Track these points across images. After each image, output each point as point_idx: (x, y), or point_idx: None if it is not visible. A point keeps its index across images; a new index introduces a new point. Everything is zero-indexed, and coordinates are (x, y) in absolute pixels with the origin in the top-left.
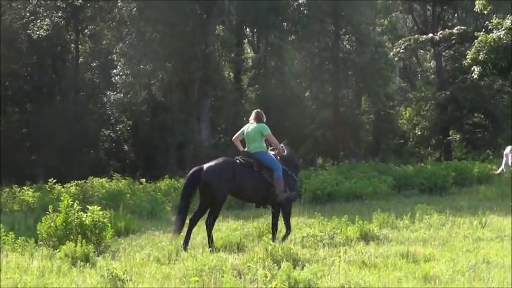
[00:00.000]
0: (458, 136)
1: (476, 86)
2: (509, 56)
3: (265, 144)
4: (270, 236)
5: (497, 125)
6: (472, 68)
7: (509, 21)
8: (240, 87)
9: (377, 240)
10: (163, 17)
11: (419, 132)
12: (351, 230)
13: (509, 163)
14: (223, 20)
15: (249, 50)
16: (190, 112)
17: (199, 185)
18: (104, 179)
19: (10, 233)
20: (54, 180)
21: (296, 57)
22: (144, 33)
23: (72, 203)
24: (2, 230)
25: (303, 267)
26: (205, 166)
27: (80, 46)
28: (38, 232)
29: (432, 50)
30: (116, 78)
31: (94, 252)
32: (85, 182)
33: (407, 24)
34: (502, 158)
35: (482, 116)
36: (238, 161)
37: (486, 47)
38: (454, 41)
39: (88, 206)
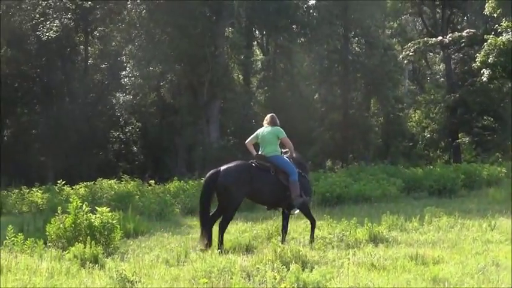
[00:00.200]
0: (467, 139)
1: (486, 89)
2: None
3: (279, 148)
4: (279, 238)
5: (507, 127)
6: (482, 71)
7: None
8: (249, 89)
9: (386, 243)
10: (172, 19)
11: (428, 135)
12: (360, 232)
13: None
14: (233, 22)
15: (258, 52)
16: (199, 114)
17: (216, 187)
18: (112, 181)
19: (19, 234)
20: (63, 182)
21: (305, 59)
22: (154, 35)
23: (81, 204)
24: (11, 231)
25: (312, 269)
26: (223, 169)
27: (89, 48)
28: (47, 233)
29: (441, 53)
30: (125, 79)
31: (103, 253)
32: (94, 183)
33: (417, 27)
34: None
35: (492, 119)
36: (254, 164)
37: (496, 50)
38: (463, 44)
39: (97, 208)
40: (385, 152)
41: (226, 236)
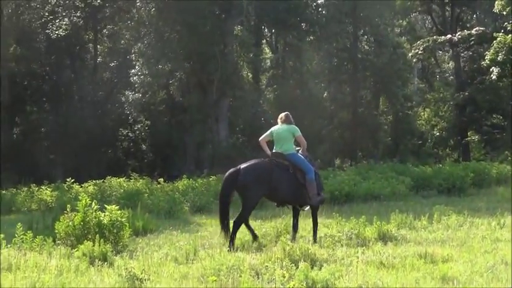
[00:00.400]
0: (476, 137)
1: (495, 87)
2: None
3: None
4: (289, 236)
5: None
6: (491, 69)
7: None
8: (258, 87)
9: (395, 241)
10: (181, 17)
11: (437, 133)
12: (368, 231)
13: None
14: (242, 20)
15: (267, 50)
16: (208, 112)
17: (236, 186)
18: (121, 179)
19: (28, 232)
20: (72, 180)
21: (314, 57)
22: (163, 33)
23: (90, 202)
24: (21, 229)
25: (320, 268)
26: (243, 167)
27: (98, 46)
28: (56, 231)
29: (451, 51)
30: (134, 78)
31: (112, 251)
32: (103, 181)
33: (426, 25)
34: None
35: (501, 117)
36: (273, 162)
37: (505, 48)
38: (472, 42)
39: (106, 206)
40: (394, 150)
41: None
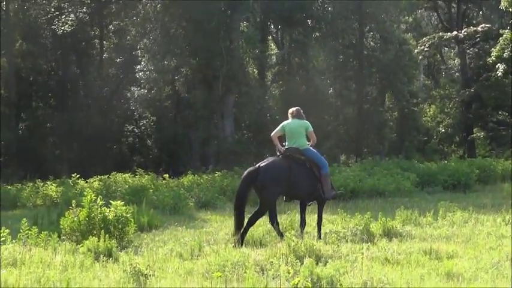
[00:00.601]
0: (482, 134)
1: (501, 84)
2: None
3: None
4: (293, 232)
5: None
6: (497, 66)
7: None
8: (264, 83)
9: (400, 237)
10: (187, 13)
11: (443, 130)
12: (373, 227)
13: None
14: (248, 17)
15: (273, 47)
16: (213, 108)
17: (255, 185)
18: (127, 175)
19: (33, 227)
20: (78, 175)
21: (320, 54)
22: (169, 29)
23: (95, 198)
24: (26, 224)
25: (325, 264)
26: (262, 166)
27: (104, 42)
28: (61, 227)
29: (456, 48)
30: (140, 74)
31: (117, 247)
32: (108, 177)
33: (432, 21)
34: None
35: (506, 114)
36: (290, 159)
37: (511, 45)
38: (478, 39)
39: (111, 201)
40: (399, 146)
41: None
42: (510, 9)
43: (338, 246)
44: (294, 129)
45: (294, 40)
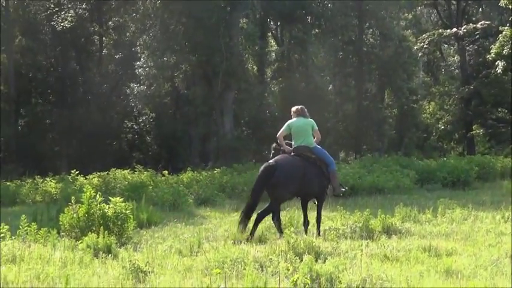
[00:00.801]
0: (481, 131)
1: (500, 81)
2: None
3: None
4: (292, 228)
5: None
6: (496, 63)
7: None
8: (263, 80)
9: (399, 234)
10: (187, 9)
11: (442, 127)
12: (373, 224)
13: None
14: (248, 13)
15: (272, 43)
16: (213, 105)
17: (271, 182)
18: (126, 171)
19: (33, 223)
20: (77, 172)
21: (320, 50)
22: (168, 26)
23: (94, 194)
24: (25, 220)
25: (324, 261)
26: (279, 163)
27: (103, 38)
28: (61, 223)
29: (456, 45)
30: (140, 70)
31: (116, 243)
32: (107, 173)
33: (432, 18)
34: None
35: (506, 111)
36: (302, 157)
37: (510, 42)
38: (478, 36)
39: (110, 198)
40: (398, 143)
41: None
42: (510, 6)
43: (337, 243)
44: (301, 127)
45: (294, 37)
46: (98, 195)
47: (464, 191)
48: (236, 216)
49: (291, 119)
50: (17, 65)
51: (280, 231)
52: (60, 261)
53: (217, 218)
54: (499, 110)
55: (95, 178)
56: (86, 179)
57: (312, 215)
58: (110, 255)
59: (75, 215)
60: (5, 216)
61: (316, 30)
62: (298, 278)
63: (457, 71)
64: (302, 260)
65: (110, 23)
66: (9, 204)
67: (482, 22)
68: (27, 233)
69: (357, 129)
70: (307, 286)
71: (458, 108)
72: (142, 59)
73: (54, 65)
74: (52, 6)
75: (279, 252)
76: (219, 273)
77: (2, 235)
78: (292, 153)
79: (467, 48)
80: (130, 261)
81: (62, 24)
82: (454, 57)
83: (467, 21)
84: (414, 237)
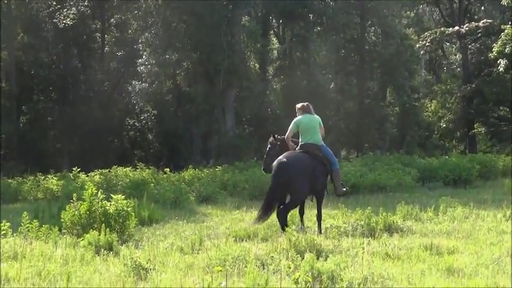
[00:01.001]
0: (483, 129)
1: (502, 79)
2: None
3: None
4: (294, 226)
5: None
6: (498, 61)
7: None
8: (265, 78)
9: (401, 232)
10: (189, 7)
11: (444, 125)
12: (374, 222)
13: None
14: (249, 11)
15: (274, 41)
16: (215, 102)
17: (284, 178)
18: (128, 168)
19: (34, 221)
20: (78, 169)
21: (322, 48)
22: (170, 23)
23: (96, 191)
24: (27, 217)
25: (326, 258)
26: (291, 160)
27: (105, 35)
28: (62, 220)
29: (458, 43)
30: (141, 67)
31: (117, 241)
32: (109, 171)
33: (434, 16)
34: None
35: (508, 109)
36: (311, 155)
37: None
38: (480, 34)
39: (112, 195)
40: (400, 141)
41: (240, 225)
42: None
43: (339, 241)
44: (308, 124)
45: (296, 34)
46: (99, 193)
47: (465, 189)
48: (237, 214)
49: (296, 116)
50: (18, 62)
51: (284, 229)
52: (61, 259)
53: (218, 216)
54: (501, 108)
55: (96, 175)
56: (87, 176)
57: (314, 213)
58: (111, 253)
59: (76, 213)
60: (6, 213)
61: (318, 28)
62: (299, 275)
63: (459, 69)
64: (303, 258)
65: (112, 20)
66: (11, 201)
67: (484, 20)
68: (28, 230)
69: (358, 127)
70: (308, 284)
71: (460, 106)
72: (144, 57)
73: (56, 62)
74: (54, 3)
75: (280, 250)
76: (221, 271)
77: (3, 232)
78: (300, 150)
79: (469, 46)
80: (132, 258)
81: (64, 21)
82: (456, 55)
83: (469, 19)
84: (416, 236)
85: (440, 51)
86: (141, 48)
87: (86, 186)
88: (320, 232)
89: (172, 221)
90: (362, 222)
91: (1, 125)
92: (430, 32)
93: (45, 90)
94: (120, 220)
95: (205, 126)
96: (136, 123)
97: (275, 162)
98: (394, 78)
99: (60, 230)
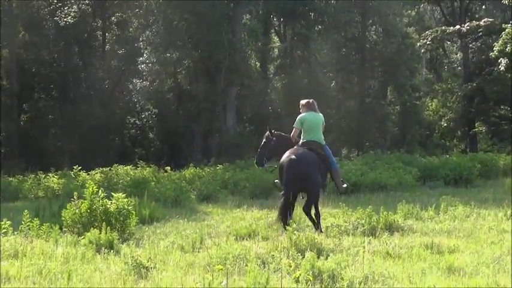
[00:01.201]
0: (484, 128)
1: (503, 78)
2: None
3: None
4: (295, 225)
5: None
6: (499, 60)
7: None
8: (266, 76)
9: (401, 231)
10: (190, 5)
11: (445, 124)
12: (375, 221)
13: None
14: (250, 9)
15: (275, 39)
16: (216, 101)
17: (299, 175)
18: (128, 167)
19: (35, 219)
20: (79, 167)
21: (323, 47)
22: (171, 21)
23: (97, 190)
24: (27, 216)
25: (327, 257)
26: (301, 157)
27: (106, 33)
28: (63, 219)
29: (459, 42)
30: (142, 66)
31: (118, 239)
32: (110, 169)
33: (435, 15)
34: None
35: (509, 108)
36: (314, 151)
37: None
38: (481, 33)
39: (113, 193)
40: (401, 140)
41: (241, 223)
42: None
43: (339, 239)
44: (313, 122)
45: (297, 33)
46: (100, 191)
47: (466, 188)
48: (238, 213)
49: (299, 112)
50: (19, 60)
51: (285, 228)
52: (62, 257)
53: (219, 214)
54: (502, 107)
55: (97, 174)
56: (88, 174)
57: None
58: (112, 251)
59: (77, 211)
60: (7, 211)
61: (319, 27)
62: (300, 274)
63: (459, 68)
64: (304, 257)
65: (113, 18)
66: (12, 200)
67: (485, 19)
68: (29, 229)
69: (359, 126)
70: (309, 283)
71: (460, 105)
72: (145, 55)
73: (57, 60)
74: (55, 1)
75: (281, 249)
76: (221, 269)
77: (4, 230)
78: (304, 147)
79: (470, 45)
80: (133, 257)
81: (65, 19)
82: (456, 54)
83: (470, 18)
84: (416, 235)
85: (441, 50)
86: (142, 47)
87: (87, 185)
88: (321, 231)
89: (173, 219)
90: (363, 221)
91: (2, 123)
92: (431, 30)
93: (46, 88)
94: (121, 218)
95: (206, 125)
96: (137, 121)
97: (285, 160)
98: (395, 77)
99: (60, 228)
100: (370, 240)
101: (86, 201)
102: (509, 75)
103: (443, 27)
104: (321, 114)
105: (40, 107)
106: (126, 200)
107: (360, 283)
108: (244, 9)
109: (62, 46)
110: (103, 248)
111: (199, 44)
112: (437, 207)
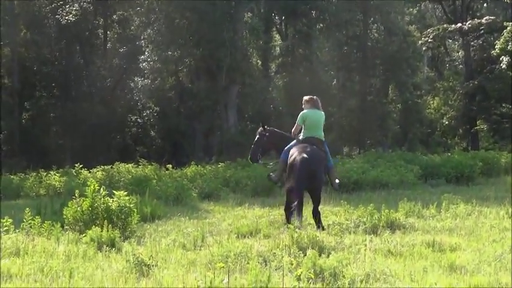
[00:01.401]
0: (485, 126)
1: (505, 76)
2: None
3: None
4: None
5: None
6: (501, 58)
7: None
8: (267, 74)
9: (403, 229)
10: (191, 3)
11: (446, 122)
12: (376, 219)
13: None
14: (252, 7)
15: (277, 38)
16: (217, 99)
17: (310, 172)
18: (130, 165)
19: (36, 217)
20: (81, 165)
21: (324, 45)
22: (172, 20)
23: (98, 188)
24: (29, 214)
25: (328, 255)
26: (311, 154)
27: (108, 32)
28: (64, 217)
29: (461, 40)
30: (144, 64)
31: (120, 237)
32: (111, 167)
33: (436, 13)
34: None
35: (510, 106)
36: (317, 148)
37: None
38: (482, 31)
39: (114, 191)
40: (402, 138)
41: (242, 221)
42: None
43: (341, 237)
44: (315, 119)
45: (298, 31)
46: (101, 189)
47: (468, 186)
48: (240, 211)
49: (301, 108)
50: (21, 58)
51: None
52: (63, 255)
53: (220, 212)
54: (503, 105)
55: (98, 172)
56: (89, 172)
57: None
58: (113, 249)
59: (79, 209)
60: (8, 209)
61: (321, 25)
62: (301, 272)
63: (461, 66)
64: (306, 255)
65: (114, 16)
66: (13, 198)
67: (487, 17)
68: (31, 226)
69: (360, 124)
70: (310, 281)
71: (462, 103)
72: (146, 53)
73: (59, 58)
74: None
75: (282, 247)
76: (223, 267)
77: (5, 228)
78: (305, 144)
79: (472, 43)
80: (134, 254)
81: (67, 17)
82: (458, 52)
83: (471, 16)
84: (418, 233)
85: (442, 48)
86: (143, 45)
87: (88, 183)
88: (322, 229)
89: (174, 217)
90: (364, 219)
91: (3, 121)
92: (432, 28)
93: (47, 87)
94: (123, 216)
95: (208, 123)
96: (138, 119)
97: (298, 158)
98: (396, 75)
99: (62, 226)
100: (371, 238)
101: (87, 199)
102: (510, 73)
103: (444, 25)
104: (323, 112)
105: (41, 105)
106: (127, 198)
107: (361, 281)
108: (246, 8)
109: (64, 44)
110: (104, 246)
111: (200, 42)
112: (439, 205)
